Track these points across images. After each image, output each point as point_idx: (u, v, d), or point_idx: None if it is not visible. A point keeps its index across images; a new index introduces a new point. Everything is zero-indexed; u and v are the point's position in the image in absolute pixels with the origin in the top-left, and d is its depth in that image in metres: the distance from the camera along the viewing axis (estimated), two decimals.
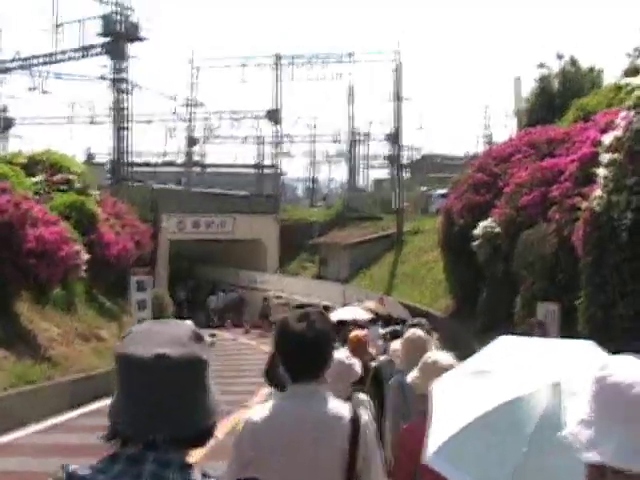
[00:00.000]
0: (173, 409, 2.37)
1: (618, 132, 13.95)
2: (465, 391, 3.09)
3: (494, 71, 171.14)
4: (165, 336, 2.41)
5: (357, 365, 6.84)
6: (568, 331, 17.32)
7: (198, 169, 76.09)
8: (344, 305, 31.43)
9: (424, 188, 65.41)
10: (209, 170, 77.85)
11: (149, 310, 29.44)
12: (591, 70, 40.93)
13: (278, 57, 74.11)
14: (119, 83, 51.06)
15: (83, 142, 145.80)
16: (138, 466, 2.37)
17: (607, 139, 14.43)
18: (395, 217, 52.86)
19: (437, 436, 2.98)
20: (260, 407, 4.41)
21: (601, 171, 14.70)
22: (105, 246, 31.21)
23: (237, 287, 52.73)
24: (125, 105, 51.96)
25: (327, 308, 30.38)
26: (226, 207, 54.51)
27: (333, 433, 4.18)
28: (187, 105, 72.26)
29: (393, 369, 8.91)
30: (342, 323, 14.07)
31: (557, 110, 37.70)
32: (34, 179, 32.54)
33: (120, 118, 51.47)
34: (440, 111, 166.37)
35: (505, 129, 69.48)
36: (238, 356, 34.46)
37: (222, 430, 2.82)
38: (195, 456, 2.63)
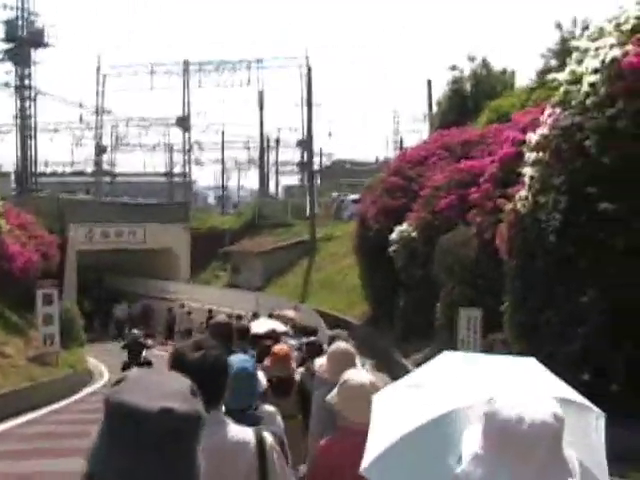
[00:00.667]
0: (167, 467, 2.19)
1: (544, 130, 13.46)
2: (401, 404, 3.01)
3: (404, 75, 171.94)
4: (166, 388, 2.26)
5: (261, 376, 6.69)
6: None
7: (108, 178, 74.88)
8: (255, 314, 30.54)
9: (335, 194, 65.03)
10: (119, 179, 76.64)
11: (57, 325, 28.37)
12: (503, 72, 40.89)
13: (186, 63, 73.36)
14: (23, 90, 49.59)
15: None
16: None
17: (533, 137, 13.93)
18: (307, 224, 52.21)
19: (372, 448, 2.94)
20: None
21: (527, 170, 14.21)
22: (9, 258, 30.03)
23: (143, 297, 51.54)
24: (29, 113, 50.52)
25: (240, 317, 29.71)
26: (136, 216, 53.41)
27: (239, 460, 4.14)
28: (95, 113, 71.04)
29: (313, 382, 8.70)
30: (257, 336, 12.82)
31: (470, 113, 37.61)
32: None
33: (24, 126, 49.96)
34: (349, 117, 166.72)
35: (415, 134, 69.34)
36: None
37: None
38: None
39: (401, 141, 79.30)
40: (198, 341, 4.25)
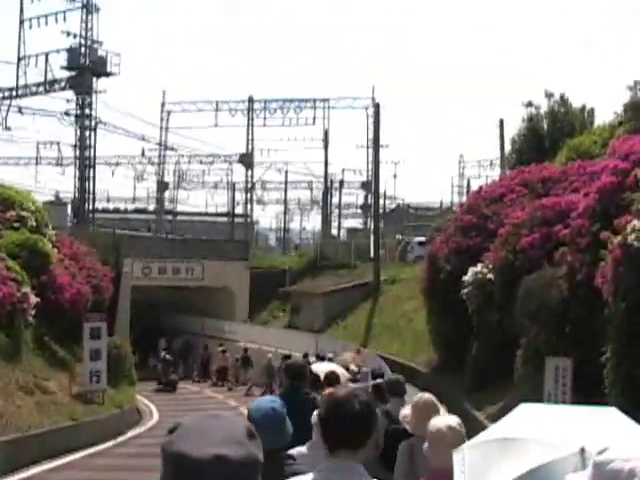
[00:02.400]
0: None
1: None
2: (491, 459, 3.00)
3: (471, 117, 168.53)
4: (221, 434, 2.23)
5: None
6: (587, 391, 14.78)
7: (169, 217, 73.92)
8: (305, 354, 30.65)
9: (400, 236, 63.15)
10: (180, 218, 75.65)
11: (104, 360, 26.67)
12: (582, 109, 38.89)
13: (251, 100, 72.44)
14: (83, 119, 48.40)
15: (51, 184, 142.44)
16: None
17: None
18: (370, 265, 50.20)
19: None
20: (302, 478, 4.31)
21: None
22: (58, 289, 28.46)
23: (199, 335, 50.17)
24: (89, 143, 49.29)
25: (288, 357, 29.05)
26: (195, 253, 51.93)
27: None
28: (158, 148, 70.15)
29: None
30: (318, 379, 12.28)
31: (546, 151, 35.71)
32: None
33: (83, 156, 48.74)
34: (414, 159, 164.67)
35: (479, 179, 67.34)
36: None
37: None
38: None
39: (468, 184, 77.06)
40: (350, 390, 4.54)
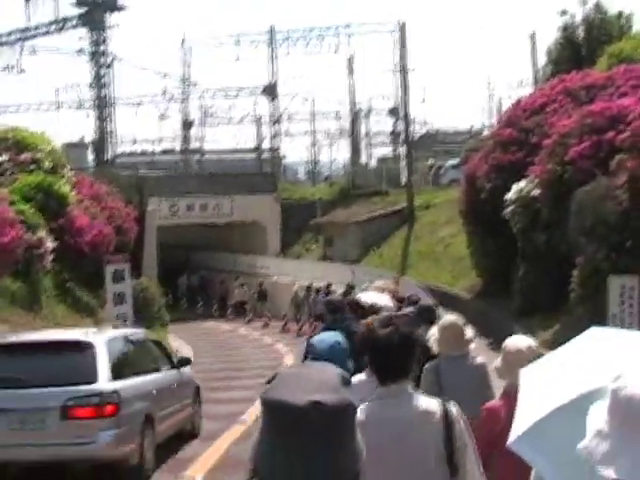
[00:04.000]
0: (326, 458, 2.25)
1: None
2: (549, 380, 2.90)
3: (498, 38, 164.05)
4: (316, 382, 2.31)
5: None
6: None
7: (197, 156, 72.21)
8: (351, 286, 29.00)
9: (432, 161, 61.17)
10: (207, 157, 73.84)
11: (129, 304, 25.26)
12: (619, 15, 36.77)
13: (272, 31, 70.44)
14: (98, 56, 46.66)
15: (74, 129, 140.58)
16: None
17: None
18: (403, 192, 48.33)
19: (521, 422, 2.86)
20: (367, 407, 4.36)
21: None
22: (77, 232, 27.04)
23: (233, 272, 48.65)
24: (106, 81, 47.54)
25: (330, 286, 26.88)
26: (222, 188, 50.35)
27: (426, 431, 4.27)
28: (181, 85, 68.36)
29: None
30: (361, 307, 11.84)
31: (584, 60, 33.66)
32: None
33: (101, 95, 47.04)
34: (442, 82, 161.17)
35: (509, 100, 65.14)
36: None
37: None
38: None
39: (500, 104, 74.68)
40: (389, 317, 4.65)
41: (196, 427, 15.93)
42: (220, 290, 47.76)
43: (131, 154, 72.15)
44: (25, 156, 29.42)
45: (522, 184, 22.78)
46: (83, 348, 12.53)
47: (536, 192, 21.91)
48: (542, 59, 42.54)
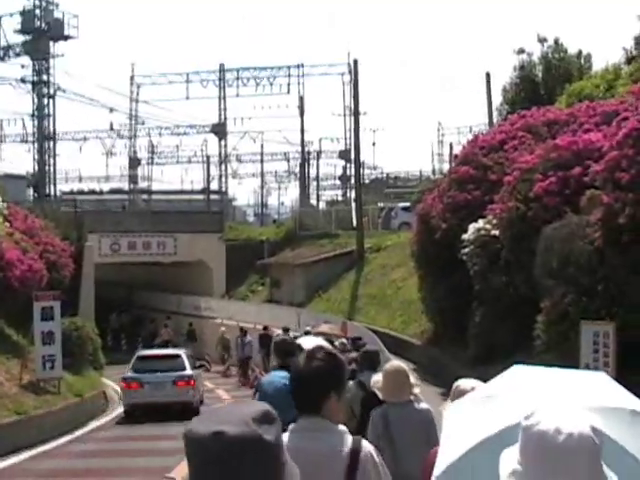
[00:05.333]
0: None
1: None
2: (472, 415, 2.96)
3: (450, 81, 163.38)
4: (230, 414, 2.35)
5: None
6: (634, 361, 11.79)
7: (145, 196, 70.59)
8: (285, 329, 28.94)
9: (381, 204, 59.98)
10: (155, 197, 72.13)
11: (58, 344, 23.53)
12: (579, 54, 35.88)
13: (222, 69, 69.59)
14: (41, 86, 44.93)
15: (19, 164, 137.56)
16: None
17: None
18: (353, 234, 47.00)
19: (443, 458, 2.96)
20: None
21: None
22: (6, 266, 25.28)
23: (177, 314, 47.16)
24: (48, 112, 45.81)
25: (288, 330, 28.71)
26: (166, 226, 48.72)
27: (332, 467, 4.25)
28: (128, 122, 66.94)
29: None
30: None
31: (542, 100, 32.72)
32: None
33: (42, 126, 45.28)
34: (392, 126, 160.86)
35: (459, 146, 64.42)
36: None
37: None
38: None
39: (451, 148, 73.77)
40: (312, 350, 4.61)
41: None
42: (149, 329, 46.56)
43: (78, 192, 70.37)
44: None
45: (480, 223, 21.53)
46: (178, 356, 27.26)
47: (495, 232, 20.62)
48: (497, 99, 41.65)
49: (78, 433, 21.72)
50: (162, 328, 44.12)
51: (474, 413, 2.99)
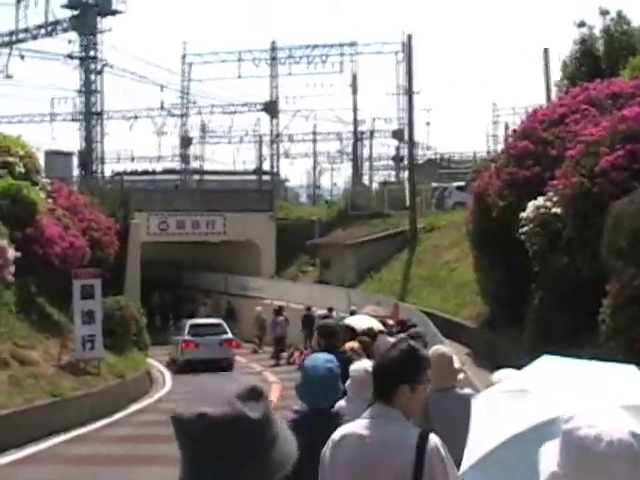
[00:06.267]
0: (218, 472, 2.28)
1: None
2: (502, 409, 3.03)
3: (506, 61, 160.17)
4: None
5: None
6: None
7: (197, 177, 69.78)
8: (330, 309, 30.16)
9: (435, 184, 58.75)
10: (207, 177, 71.29)
11: (98, 324, 22.73)
12: None
13: (274, 47, 68.63)
14: (88, 62, 44.19)
15: (70, 143, 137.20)
16: None
17: None
18: (405, 214, 45.86)
19: (473, 451, 2.99)
20: (343, 427, 4.55)
21: None
22: (46, 243, 24.49)
23: (224, 294, 46.62)
24: (95, 88, 45.06)
25: (331, 310, 29.62)
26: (215, 205, 47.88)
27: (398, 456, 4.27)
28: (179, 101, 66.14)
29: None
30: (353, 331, 12.29)
31: (604, 74, 31.23)
32: None
33: (90, 101, 44.55)
34: (446, 106, 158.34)
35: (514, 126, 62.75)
36: None
37: None
38: None
39: (506, 128, 72.15)
40: (395, 342, 4.97)
41: None
42: (190, 308, 46.07)
43: (131, 172, 69.80)
44: None
45: (540, 201, 20.30)
46: (220, 324, 35.23)
47: (557, 210, 19.42)
48: (555, 77, 40.20)
49: (117, 416, 20.89)
50: (201, 307, 44.66)
51: (504, 407, 3.01)
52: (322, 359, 5.96)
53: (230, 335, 34.42)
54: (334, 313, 28.52)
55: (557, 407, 2.82)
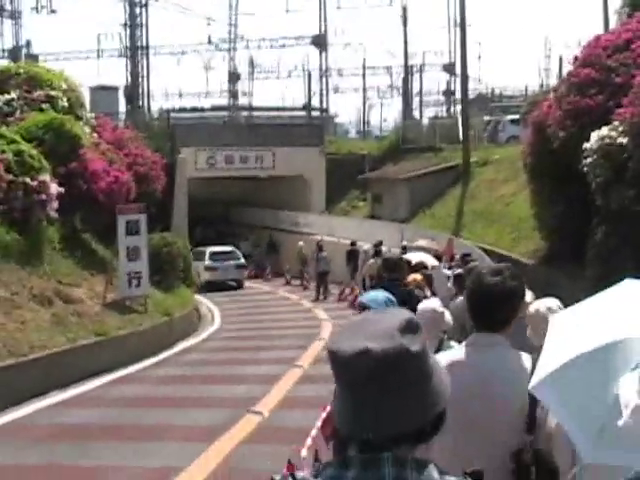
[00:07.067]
0: (381, 407, 2.25)
1: None
2: (575, 328, 2.99)
3: None
4: (373, 328, 2.31)
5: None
6: None
7: (246, 113, 68.85)
8: (378, 244, 28.52)
9: (488, 117, 57.41)
10: (256, 113, 70.32)
11: (144, 261, 22.12)
12: None
13: None
14: None
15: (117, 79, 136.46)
16: (374, 470, 2.25)
17: None
18: (458, 148, 44.77)
19: (542, 368, 2.97)
20: (443, 355, 4.43)
21: None
22: (90, 178, 23.87)
23: (272, 229, 46.63)
24: (140, 21, 44.18)
25: (381, 244, 28.50)
26: (264, 140, 46.97)
27: (513, 383, 4.14)
28: (227, 35, 65.12)
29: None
30: (409, 264, 12.18)
31: None
32: (6, 96, 25.75)
33: (134, 35, 43.71)
34: (497, 38, 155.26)
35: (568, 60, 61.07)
36: None
37: None
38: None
39: (560, 61, 70.26)
40: (498, 267, 4.40)
41: None
42: (232, 242, 46.02)
43: (180, 110, 69.11)
44: (38, 94, 26.34)
45: (605, 131, 19.26)
46: (234, 251, 40.54)
47: (623, 140, 18.39)
48: (613, 5, 38.74)
49: (163, 355, 20.30)
50: (242, 241, 46.07)
51: (578, 326, 2.94)
52: (381, 294, 5.99)
53: (242, 260, 40.22)
54: (384, 248, 27.75)
55: (629, 330, 2.79)
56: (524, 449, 4.03)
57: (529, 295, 7.53)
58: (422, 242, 23.94)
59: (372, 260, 24.01)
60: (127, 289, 21.76)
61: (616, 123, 18.95)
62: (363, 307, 5.87)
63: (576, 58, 23.49)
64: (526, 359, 4.24)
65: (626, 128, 18.09)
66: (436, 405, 2.31)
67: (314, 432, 6.60)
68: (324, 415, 7.02)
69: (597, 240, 20.18)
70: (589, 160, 19.60)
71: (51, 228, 21.83)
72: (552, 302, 6.21)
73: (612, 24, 38.21)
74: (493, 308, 4.21)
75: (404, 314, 2.37)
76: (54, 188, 21.00)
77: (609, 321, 2.91)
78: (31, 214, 20.33)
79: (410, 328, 2.31)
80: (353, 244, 34.48)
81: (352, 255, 33.36)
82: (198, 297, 31.14)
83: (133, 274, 21.85)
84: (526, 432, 4.10)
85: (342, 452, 2.34)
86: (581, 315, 3.09)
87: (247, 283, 40.72)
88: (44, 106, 25.78)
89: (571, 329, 3.03)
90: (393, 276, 9.67)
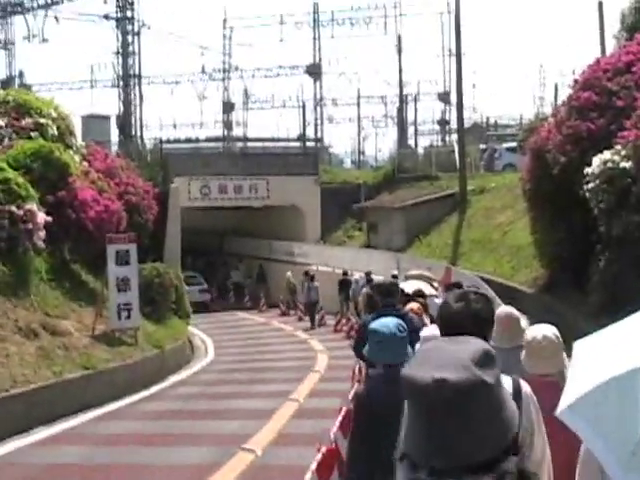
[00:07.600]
0: (452, 437, 2.28)
1: None
2: (602, 353, 2.90)
3: (550, 24, 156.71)
4: (447, 358, 2.35)
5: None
6: None
7: (240, 144, 68.60)
8: (368, 273, 29.87)
9: (483, 146, 57.12)
10: (251, 144, 70.05)
11: (135, 291, 21.52)
12: None
13: (316, 10, 67.86)
14: (125, 23, 42.89)
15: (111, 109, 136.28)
16: None
17: None
18: (454, 176, 44.36)
19: (570, 393, 2.90)
20: None
21: None
22: (79, 207, 23.30)
23: (267, 260, 46.09)
24: (133, 49, 43.79)
25: (370, 273, 29.71)
26: (258, 169, 46.41)
27: None
28: (221, 65, 64.94)
29: None
30: (405, 295, 11.89)
31: None
32: None
33: (127, 64, 43.30)
34: (491, 68, 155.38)
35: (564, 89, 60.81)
36: None
37: None
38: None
39: (556, 89, 70.03)
40: (462, 293, 4.47)
41: None
42: (221, 273, 48.14)
43: (174, 141, 68.71)
44: (27, 121, 25.81)
45: (607, 155, 18.76)
46: (196, 277, 41.66)
47: (626, 164, 17.88)
48: (609, 32, 38.50)
49: (154, 389, 19.67)
50: (233, 271, 46.92)
51: (605, 351, 2.87)
52: (391, 320, 5.85)
53: (205, 285, 42.84)
54: (380, 277, 27.29)
55: None
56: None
57: (524, 322, 7.54)
58: (415, 272, 23.51)
59: (365, 289, 23.50)
60: (117, 321, 21.14)
61: (618, 147, 18.47)
62: (374, 333, 5.69)
63: (576, 81, 23.04)
64: (505, 380, 4.01)
65: (629, 152, 17.59)
66: (507, 434, 2.35)
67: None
68: (319, 457, 6.48)
69: (600, 266, 19.63)
70: (591, 185, 19.09)
71: (38, 258, 21.24)
72: (548, 329, 6.11)
73: (609, 49, 38.00)
74: (460, 333, 3.90)
75: (480, 345, 2.41)
76: (41, 217, 20.47)
77: (638, 345, 2.81)
78: (17, 243, 19.76)
79: (486, 360, 2.36)
80: (345, 274, 34.58)
81: (344, 284, 33.58)
82: (191, 328, 30.52)
83: (123, 305, 21.22)
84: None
85: (411, 474, 2.34)
86: (608, 340, 2.99)
87: (241, 314, 40.16)
88: (33, 134, 25.26)
89: (598, 354, 2.94)
90: (387, 301, 9.59)
